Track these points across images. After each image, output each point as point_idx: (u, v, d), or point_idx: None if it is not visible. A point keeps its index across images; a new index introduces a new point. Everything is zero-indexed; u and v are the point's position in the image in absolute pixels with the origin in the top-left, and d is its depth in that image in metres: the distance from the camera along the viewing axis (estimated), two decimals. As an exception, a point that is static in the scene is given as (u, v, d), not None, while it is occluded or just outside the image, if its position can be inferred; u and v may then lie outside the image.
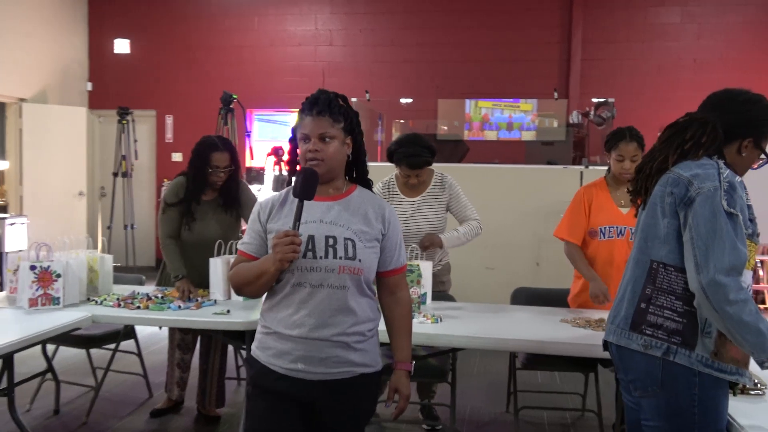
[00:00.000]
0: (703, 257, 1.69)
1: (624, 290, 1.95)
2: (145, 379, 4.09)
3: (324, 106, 1.95)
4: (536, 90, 8.08)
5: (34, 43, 8.34)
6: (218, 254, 3.47)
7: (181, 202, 3.53)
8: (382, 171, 3.63)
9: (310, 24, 8.78)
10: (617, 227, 3.12)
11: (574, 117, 7.05)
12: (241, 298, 3.36)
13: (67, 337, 3.35)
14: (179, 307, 3.21)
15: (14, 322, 2.98)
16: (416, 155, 3.40)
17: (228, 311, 3.12)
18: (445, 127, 8.18)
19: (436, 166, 3.59)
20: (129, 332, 3.86)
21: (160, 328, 4.09)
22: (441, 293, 3.49)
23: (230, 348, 3.93)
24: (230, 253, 3.51)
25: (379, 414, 3.50)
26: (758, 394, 2.02)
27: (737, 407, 1.91)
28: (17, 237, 7.02)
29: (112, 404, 3.92)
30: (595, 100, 7.48)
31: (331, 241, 1.90)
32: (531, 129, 8.14)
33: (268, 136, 8.74)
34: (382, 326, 2.05)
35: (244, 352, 3.30)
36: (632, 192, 2.01)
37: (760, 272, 6.44)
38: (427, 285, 3.20)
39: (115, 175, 7.92)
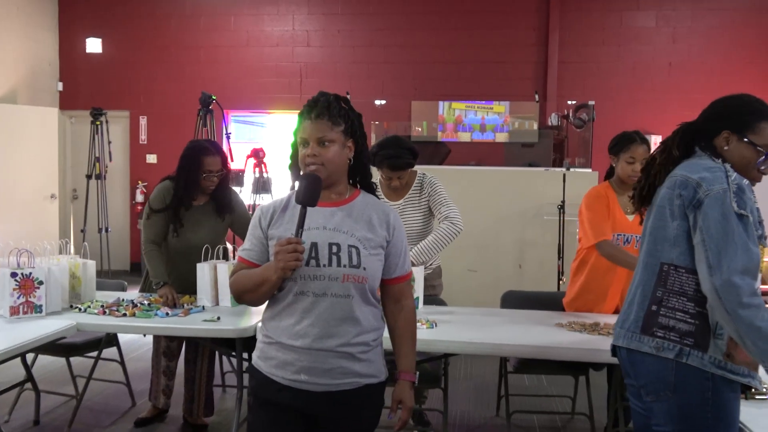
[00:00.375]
0: (716, 259, 1.69)
1: (633, 294, 1.94)
2: (128, 388, 3.99)
3: (323, 109, 1.90)
4: (513, 92, 8.11)
5: (3, 41, 8.11)
6: (205, 259, 3.40)
7: (167, 208, 3.45)
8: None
9: (288, 24, 8.70)
10: (624, 235, 3.11)
11: (553, 119, 7.10)
12: (229, 305, 3.31)
13: (47, 346, 3.25)
14: (167, 314, 3.14)
15: (-4, 331, 2.87)
16: (397, 156, 3.37)
17: (218, 318, 3.05)
18: (419, 129, 8.18)
19: (417, 168, 3.56)
20: (111, 339, 3.76)
21: (144, 335, 3.99)
22: (433, 297, 3.47)
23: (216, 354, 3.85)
24: (217, 258, 3.45)
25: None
26: (766, 399, 2.03)
27: (747, 412, 1.91)
28: (-13, 241, 6.82)
29: (94, 414, 3.82)
30: (570, 102, 7.55)
31: (334, 249, 1.86)
32: (504, 131, 8.19)
33: (244, 138, 8.63)
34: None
35: (234, 360, 3.24)
36: (636, 193, 2.01)
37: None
38: (419, 289, 3.17)
39: (89, 177, 7.76)
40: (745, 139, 1.88)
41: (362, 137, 1.99)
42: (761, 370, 1.80)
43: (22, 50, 8.42)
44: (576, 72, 8.10)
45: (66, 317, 3.10)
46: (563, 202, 5.29)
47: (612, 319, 2.97)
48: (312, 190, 1.83)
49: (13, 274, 3.09)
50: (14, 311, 3.08)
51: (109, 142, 7.83)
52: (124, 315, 3.13)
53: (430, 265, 3.55)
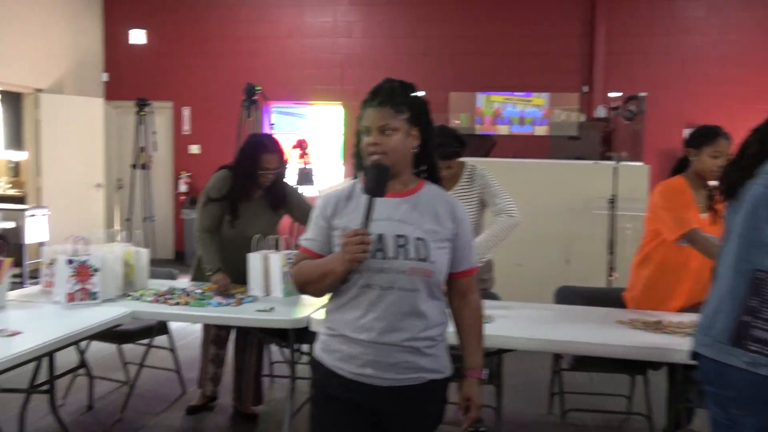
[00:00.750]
0: None
1: (720, 300, 1.80)
2: (178, 375, 4.02)
3: (386, 96, 1.85)
4: (555, 84, 7.98)
5: (50, 33, 8.25)
6: (257, 249, 3.40)
7: (224, 197, 3.45)
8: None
9: (329, 15, 8.67)
10: None
11: (600, 111, 6.94)
12: (281, 295, 3.30)
13: (102, 333, 3.28)
14: (220, 303, 3.14)
15: (55, 318, 2.91)
16: (444, 145, 3.30)
17: (272, 309, 3.04)
18: (457, 121, 8.10)
19: (464, 160, 3.50)
20: (162, 327, 3.79)
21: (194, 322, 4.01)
22: (485, 291, 3.41)
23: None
24: (268, 248, 3.43)
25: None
26: None
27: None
28: (37, 229, 6.96)
29: (145, 400, 3.85)
30: (612, 94, 7.39)
31: (401, 241, 1.81)
32: (544, 123, 8.07)
33: (285, 129, 8.65)
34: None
35: (285, 351, 3.23)
36: (723, 187, 1.89)
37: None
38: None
39: (134, 167, 7.86)
40: None
41: (428, 125, 1.93)
42: None
43: (68, 42, 8.55)
44: (624, 63, 7.91)
45: (121, 305, 3.12)
46: (614, 196, 5.17)
47: (676, 318, 2.89)
48: (380, 181, 1.78)
49: (70, 261, 3.12)
50: (71, 298, 3.11)
51: (154, 133, 7.92)
52: (178, 303, 3.15)
53: (480, 258, 3.48)
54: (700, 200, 3.00)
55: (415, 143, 1.89)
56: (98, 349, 4.14)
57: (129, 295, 3.30)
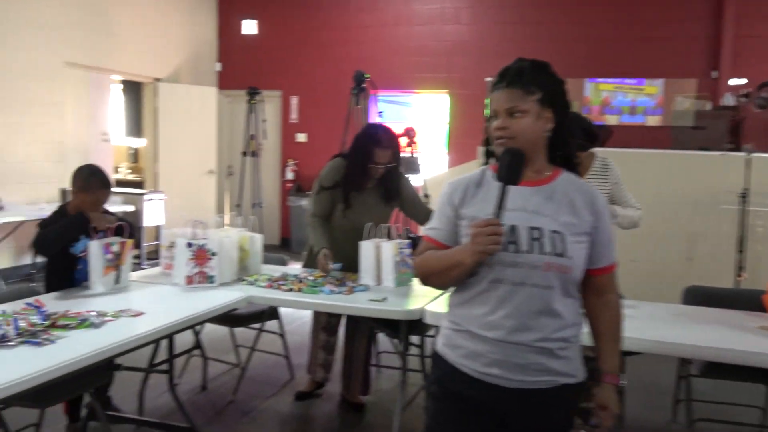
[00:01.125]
0: None
1: None
2: (287, 360, 4.06)
3: (515, 76, 1.71)
4: (673, 69, 7.48)
5: (168, 25, 8.59)
6: (368, 238, 3.35)
7: (337, 186, 3.43)
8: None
9: (436, 2, 8.53)
10: None
11: (728, 99, 6.45)
12: (392, 285, 3.24)
13: (219, 316, 3.35)
14: (332, 291, 3.12)
15: (174, 299, 2.99)
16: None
17: (384, 299, 2.99)
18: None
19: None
20: (273, 312, 3.83)
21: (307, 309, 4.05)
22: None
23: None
24: (380, 237, 3.38)
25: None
26: None
27: None
28: (154, 212, 7.28)
29: (255, 384, 3.91)
30: (733, 81, 6.84)
31: (536, 234, 1.68)
32: (657, 113, 7.62)
33: (390, 118, 8.62)
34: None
35: (395, 341, 3.17)
36: None
37: None
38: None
39: (244, 154, 8.06)
40: None
41: (564, 107, 1.78)
42: None
43: (185, 33, 8.87)
44: (754, 48, 7.31)
45: (236, 289, 3.17)
46: (746, 190, 4.77)
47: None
48: (515, 167, 1.67)
49: (189, 245, 3.19)
50: (189, 281, 3.18)
51: (264, 121, 8.08)
52: (291, 290, 3.16)
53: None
54: None
55: (548, 126, 1.75)
56: (210, 330, 4.25)
57: (244, 280, 3.34)
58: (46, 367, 1.96)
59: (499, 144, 1.72)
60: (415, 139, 6.18)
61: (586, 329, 1.81)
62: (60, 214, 3.14)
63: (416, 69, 8.52)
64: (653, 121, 7.61)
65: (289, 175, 9.05)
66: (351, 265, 3.39)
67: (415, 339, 3.32)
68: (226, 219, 3.87)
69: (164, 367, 3.19)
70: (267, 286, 3.22)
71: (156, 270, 3.62)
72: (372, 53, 8.63)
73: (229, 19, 9.34)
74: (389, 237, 3.39)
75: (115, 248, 3.07)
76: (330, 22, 8.88)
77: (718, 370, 2.96)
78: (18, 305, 2.57)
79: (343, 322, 3.66)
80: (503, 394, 1.70)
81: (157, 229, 7.28)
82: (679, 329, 2.66)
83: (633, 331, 2.54)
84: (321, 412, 3.62)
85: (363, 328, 3.56)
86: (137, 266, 6.52)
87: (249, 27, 9.06)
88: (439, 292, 2.92)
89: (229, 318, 3.67)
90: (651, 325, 2.70)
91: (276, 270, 3.61)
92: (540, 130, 1.73)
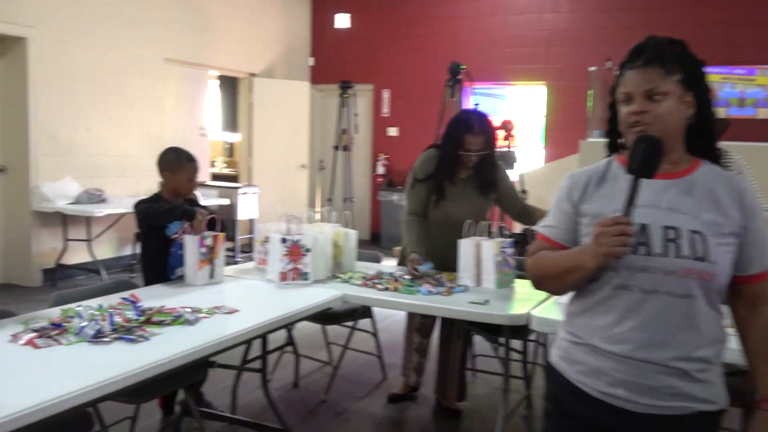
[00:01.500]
0: None
1: None
2: (380, 360, 3.94)
3: (653, 53, 1.50)
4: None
5: (263, 20, 8.67)
6: (467, 235, 3.17)
7: (429, 177, 3.27)
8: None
9: (535, -10, 8.21)
10: None
11: None
12: (493, 286, 3.04)
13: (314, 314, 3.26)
14: (430, 291, 2.96)
15: (269, 297, 2.91)
16: None
17: (486, 301, 2.80)
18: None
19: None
20: (366, 311, 3.71)
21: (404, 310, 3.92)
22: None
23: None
24: (479, 235, 3.19)
25: None
26: None
27: None
28: (248, 206, 7.36)
29: (348, 383, 3.81)
30: None
31: (671, 234, 1.46)
32: (767, 106, 7.03)
33: (486, 110, 8.36)
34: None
35: (499, 347, 2.98)
36: None
37: None
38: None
39: (336, 148, 8.04)
40: None
41: (705, 91, 1.55)
42: None
43: (279, 28, 8.94)
44: None
45: (330, 287, 3.06)
46: None
47: None
48: (651, 158, 1.45)
49: (283, 240, 3.11)
50: (283, 277, 3.11)
51: (355, 115, 8.04)
52: (386, 289, 3.02)
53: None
54: None
55: (690, 112, 1.52)
56: (302, 326, 4.18)
57: (338, 277, 3.24)
58: (140, 366, 1.91)
59: (636, 132, 1.50)
60: (512, 132, 5.93)
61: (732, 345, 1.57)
62: (154, 201, 3.15)
63: (513, 60, 8.22)
64: (764, 113, 7.05)
65: (380, 170, 8.96)
66: (444, 261, 3.22)
67: (516, 344, 3.11)
68: (318, 214, 3.76)
69: (257, 364, 3.13)
70: (362, 285, 3.09)
71: (250, 265, 3.57)
72: (466, 45, 8.39)
73: (322, 13, 9.34)
74: (490, 235, 3.20)
75: (209, 242, 3.03)
76: (424, 13, 8.71)
77: None
78: (114, 299, 2.55)
79: (437, 323, 3.50)
80: (628, 419, 1.49)
81: (251, 222, 7.35)
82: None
83: None
84: (415, 416, 3.47)
85: (459, 330, 3.39)
86: (231, 258, 6.60)
87: (342, 21, 9.03)
88: (545, 295, 2.71)
89: (321, 315, 3.57)
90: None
91: (370, 267, 3.48)
92: (681, 116, 1.52)
